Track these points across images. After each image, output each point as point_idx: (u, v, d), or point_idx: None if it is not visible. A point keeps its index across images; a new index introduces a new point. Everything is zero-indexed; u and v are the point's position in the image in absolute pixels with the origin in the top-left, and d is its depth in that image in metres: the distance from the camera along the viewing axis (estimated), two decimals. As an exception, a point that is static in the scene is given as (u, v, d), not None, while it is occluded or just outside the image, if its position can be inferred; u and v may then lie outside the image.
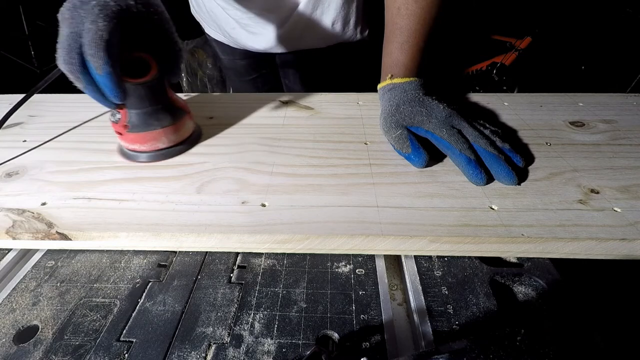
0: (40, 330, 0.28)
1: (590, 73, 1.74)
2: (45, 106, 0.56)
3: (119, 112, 0.39)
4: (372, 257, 0.34)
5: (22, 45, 2.06)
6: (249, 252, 0.35)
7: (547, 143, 0.44)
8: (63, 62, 0.32)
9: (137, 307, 0.30)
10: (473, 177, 0.36)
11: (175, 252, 0.35)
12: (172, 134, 0.42)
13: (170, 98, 0.41)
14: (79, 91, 0.60)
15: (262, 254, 0.35)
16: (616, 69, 1.67)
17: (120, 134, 0.40)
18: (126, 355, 0.27)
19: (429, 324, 0.28)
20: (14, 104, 0.46)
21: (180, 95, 0.59)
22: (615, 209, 0.33)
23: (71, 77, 0.33)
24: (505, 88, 1.73)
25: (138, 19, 0.35)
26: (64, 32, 0.32)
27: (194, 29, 0.80)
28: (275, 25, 0.62)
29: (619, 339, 0.27)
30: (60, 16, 0.33)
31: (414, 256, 0.34)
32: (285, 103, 0.54)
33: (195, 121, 0.46)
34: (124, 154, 0.42)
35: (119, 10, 0.33)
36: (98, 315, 0.29)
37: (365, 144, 0.44)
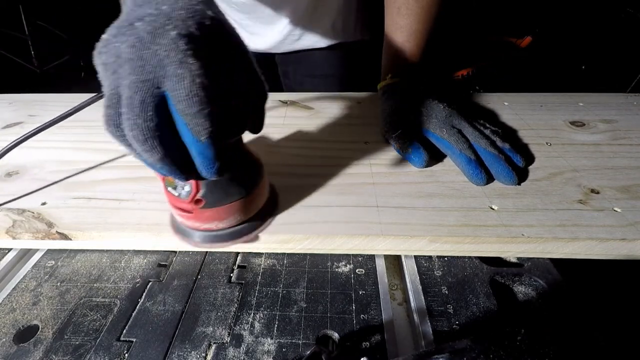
0: (40, 329, 0.29)
1: (591, 73, 1.74)
2: (45, 106, 0.56)
3: (185, 183, 0.27)
4: (372, 257, 0.34)
5: (22, 45, 2.06)
6: (249, 252, 0.35)
7: (547, 143, 0.44)
8: (131, 127, 0.21)
9: (137, 307, 0.30)
10: (473, 177, 0.36)
11: (175, 251, 0.35)
12: (254, 201, 0.31)
13: (247, 153, 0.30)
14: (78, 91, 0.59)
15: (262, 253, 0.35)
16: (616, 69, 1.67)
17: (188, 212, 0.28)
18: (126, 354, 0.27)
19: (429, 323, 0.28)
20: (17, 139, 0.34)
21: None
22: (616, 209, 0.33)
23: (140, 147, 0.21)
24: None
25: (218, 50, 0.23)
26: (124, 80, 0.21)
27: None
28: (275, 26, 0.62)
29: (620, 338, 0.27)
30: (106, 55, 0.22)
31: (414, 256, 0.34)
32: (285, 103, 0.54)
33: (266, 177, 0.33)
34: (189, 234, 0.31)
35: (204, 39, 0.22)
36: (98, 315, 0.30)
37: (366, 143, 0.44)
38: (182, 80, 0.21)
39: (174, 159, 0.23)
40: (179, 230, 0.32)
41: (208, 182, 0.27)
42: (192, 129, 0.22)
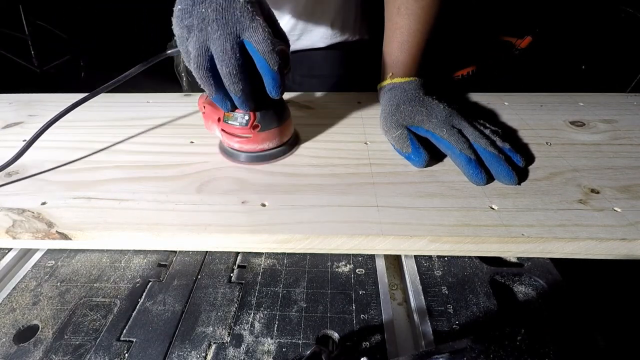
0: (40, 329, 0.28)
1: (591, 73, 1.74)
2: (45, 105, 0.56)
3: (245, 114, 0.38)
4: (372, 257, 0.34)
5: (22, 45, 2.06)
6: (249, 252, 0.35)
7: (547, 143, 0.44)
8: (227, 66, 0.31)
9: (137, 307, 0.30)
10: (473, 177, 0.36)
11: (175, 251, 0.35)
12: (288, 128, 0.42)
13: None
14: (78, 91, 0.59)
15: (262, 253, 0.35)
16: (616, 69, 1.67)
17: (247, 136, 0.39)
18: (126, 354, 0.27)
19: (429, 323, 0.28)
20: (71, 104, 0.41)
21: (180, 94, 0.59)
22: (616, 208, 0.33)
23: (230, 80, 0.32)
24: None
25: (264, 9, 0.34)
26: (214, 35, 0.30)
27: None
28: None
29: (620, 338, 0.27)
30: (191, 19, 0.31)
31: (414, 256, 0.34)
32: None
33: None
34: (245, 157, 0.41)
35: (257, 2, 0.32)
36: (98, 315, 0.29)
37: (365, 143, 0.44)
38: (258, 29, 0.31)
39: (248, 91, 0.33)
40: (233, 156, 0.42)
41: (260, 113, 0.38)
42: (268, 62, 0.31)
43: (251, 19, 0.31)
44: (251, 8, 0.31)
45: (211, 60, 0.31)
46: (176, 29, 0.32)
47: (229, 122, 0.39)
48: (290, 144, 0.43)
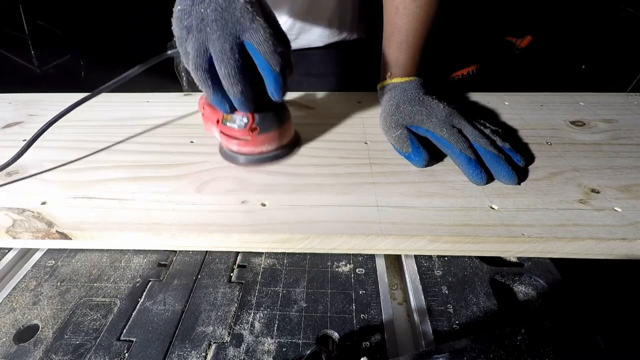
0: (40, 329, 0.29)
1: (591, 73, 1.74)
2: (45, 105, 0.56)
3: (244, 116, 0.37)
4: (372, 257, 0.34)
5: (22, 45, 2.06)
6: (249, 252, 0.35)
7: (547, 142, 0.44)
8: (225, 67, 0.31)
9: (137, 307, 0.30)
10: (473, 177, 0.36)
11: (175, 251, 0.35)
12: (288, 130, 0.42)
13: None
14: (78, 91, 0.59)
15: (262, 253, 0.35)
16: (616, 69, 1.67)
17: (246, 139, 0.39)
18: (126, 354, 0.27)
19: (429, 323, 0.28)
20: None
21: (180, 94, 0.59)
22: (616, 208, 0.33)
23: (229, 82, 0.32)
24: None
25: (265, 10, 0.33)
26: (213, 35, 0.31)
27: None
28: None
29: (620, 338, 0.27)
30: (190, 19, 0.31)
31: (414, 255, 0.34)
32: (286, 103, 0.54)
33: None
34: (244, 160, 0.41)
35: (257, 3, 0.32)
36: (98, 315, 0.30)
37: (366, 143, 0.44)
38: (258, 30, 0.31)
39: (247, 93, 0.33)
40: (232, 159, 0.41)
41: (259, 115, 0.38)
42: (270, 63, 0.32)
43: (251, 19, 0.31)
44: (251, 8, 0.31)
45: (210, 61, 0.32)
46: (176, 29, 0.32)
47: (228, 124, 0.39)
48: (291, 145, 0.43)
